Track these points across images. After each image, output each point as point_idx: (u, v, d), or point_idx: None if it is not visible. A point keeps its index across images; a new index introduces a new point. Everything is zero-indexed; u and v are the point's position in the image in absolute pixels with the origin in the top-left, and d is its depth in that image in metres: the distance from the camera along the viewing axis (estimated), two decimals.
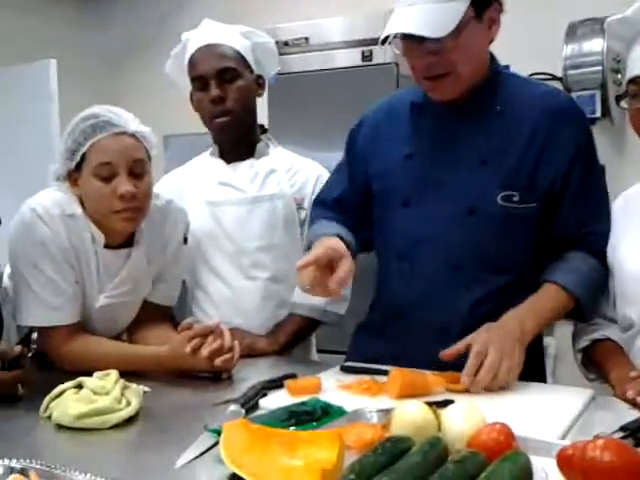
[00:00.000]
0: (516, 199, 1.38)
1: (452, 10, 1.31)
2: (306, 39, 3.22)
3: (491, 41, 1.41)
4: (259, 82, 1.84)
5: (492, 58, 1.46)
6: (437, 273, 1.41)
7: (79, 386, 1.23)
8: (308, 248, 1.49)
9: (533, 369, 1.45)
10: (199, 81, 1.75)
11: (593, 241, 1.41)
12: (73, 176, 1.50)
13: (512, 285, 1.41)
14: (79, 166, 1.48)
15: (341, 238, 1.44)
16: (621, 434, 1.02)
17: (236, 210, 1.78)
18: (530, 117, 1.40)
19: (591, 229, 1.41)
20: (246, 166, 1.81)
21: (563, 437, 1.06)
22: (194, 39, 1.79)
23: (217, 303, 1.79)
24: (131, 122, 1.49)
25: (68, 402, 1.17)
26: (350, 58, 3.07)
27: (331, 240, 1.40)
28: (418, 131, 1.48)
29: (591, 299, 1.40)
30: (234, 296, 1.77)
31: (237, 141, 1.81)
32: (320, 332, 1.94)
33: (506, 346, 1.25)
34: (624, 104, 1.35)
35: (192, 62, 1.77)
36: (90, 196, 1.48)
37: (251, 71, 1.80)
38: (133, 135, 1.48)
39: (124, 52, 4.24)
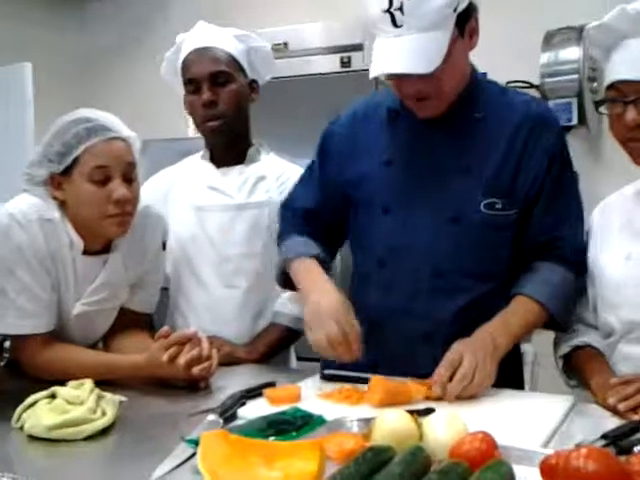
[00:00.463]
0: (499, 206, 1.37)
1: (440, 38, 1.28)
2: (285, 44, 3.22)
3: (473, 47, 1.40)
4: (252, 86, 1.83)
5: (471, 67, 1.45)
6: (419, 281, 1.39)
7: (52, 396, 1.20)
8: (283, 268, 1.49)
9: (510, 375, 1.45)
10: (191, 84, 1.73)
11: (563, 247, 1.40)
12: (57, 180, 1.47)
13: (495, 292, 1.41)
14: (68, 170, 1.45)
15: (318, 258, 1.45)
16: (603, 442, 1.02)
17: (221, 216, 1.76)
18: (508, 124, 1.40)
19: (561, 234, 1.40)
20: (236, 172, 1.79)
21: (545, 445, 1.05)
22: (188, 41, 1.78)
23: (197, 310, 1.77)
24: (122, 127, 1.49)
25: (41, 412, 1.14)
26: (329, 64, 3.07)
27: (329, 291, 1.37)
28: (396, 137, 1.47)
29: (563, 309, 1.39)
30: (213, 304, 1.75)
31: (228, 145, 1.80)
32: (299, 339, 1.93)
33: (479, 358, 1.25)
34: (603, 110, 1.36)
35: (185, 65, 1.76)
36: (82, 200, 1.45)
37: (245, 75, 1.79)
38: (125, 140, 1.48)
39: (102, 56, 4.19)
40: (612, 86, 1.31)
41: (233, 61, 1.76)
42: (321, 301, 1.34)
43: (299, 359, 2.00)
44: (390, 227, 1.43)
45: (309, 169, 1.61)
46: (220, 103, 1.71)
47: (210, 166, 1.81)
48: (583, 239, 1.44)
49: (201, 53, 1.74)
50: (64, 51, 4.16)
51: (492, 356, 1.27)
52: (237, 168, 1.79)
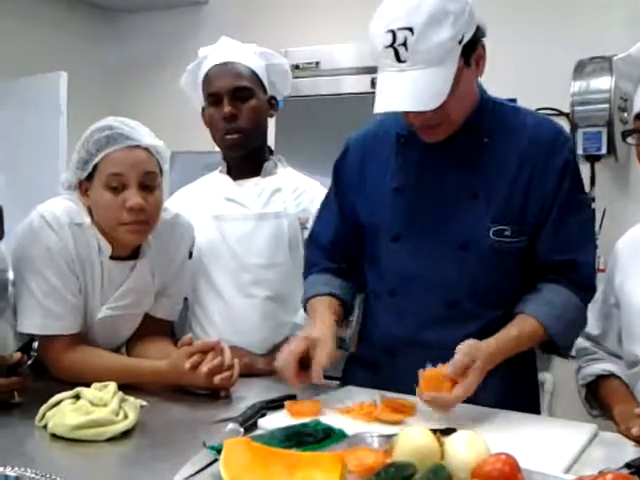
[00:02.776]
0: (508, 233, 1.35)
1: (444, 73, 1.25)
2: (317, 63, 3.25)
3: (480, 74, 1.38)
4: (271, 103, 1.85)
5: (478, 86, 1.41)
6: (431, 311, 1.37)
7: (77, 396, 1.21)
8: (304, 305, 1.51)
9: (528, 402, 1.44)
10: (213, 97, 1.76)
11: (575, 271, 1.36)
12: (83, 186, 1.50)
13: (506, 317, 1.37)
14: (90, 176, 1.48)
15: (334, 295, 1.46)
16: (626, 471, 1.00)
17: (242, 225, 1.77)
18: (517, 149, 1.37)
19: (571, 258, 1.36)
20: (252, 183, 1.81)
21: (567, 471, 1.04)
22: (211, 56, 1.81)
23: (215, 320, 1.77)
24: (146, 135, 1.50)
25: (65, 412, 1.15)
26: (359, 84, 3.10)
27: (316, 325, 1.39)
28: (405, 163, 1.44)
29: (563, 331, 1.35)
30: (232, 314, 1.75)
31: (245, 159, 1.81)
32: None
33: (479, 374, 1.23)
34: (631, 140, 1.36)
35: (208, 78, 1.78)
36: (99, 206, 1.48)
37: (265, 91, 1.81)
38: (146, 148, 1.49)
39: (135, 67, 4.27)
40: (638, 117, 1.32)
41: (254, 77, 1.78)
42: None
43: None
44: (400, 256, 1.42)
45: (326, 201, 1.61)
46: (240, 118, 1.74)
47: (227, 178, 1.84)
48: (595, 263, 1.40)
49: (224, 68, 1.76)
50: (98, 62, 4.24)
51: (480, 374, 1.24)
52: (253, 180, 1.81)
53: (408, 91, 1.26)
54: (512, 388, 1.40)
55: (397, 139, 1.46)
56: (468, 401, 1.32)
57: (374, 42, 1.29)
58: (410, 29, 1.23)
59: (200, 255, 1.78)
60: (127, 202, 1.44)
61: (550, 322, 1.33)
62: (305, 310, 1.53)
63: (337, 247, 1.54)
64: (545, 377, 2.93)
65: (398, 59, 1.25)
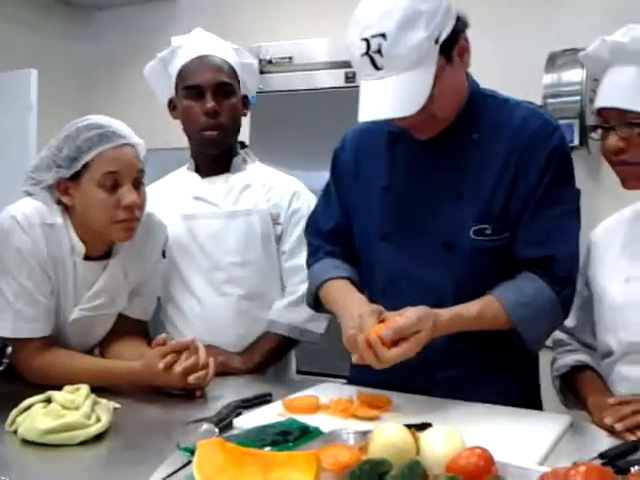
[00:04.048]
0: (489, 232, 1.34)
1: (423, 75, 1.23)
2: (290, 58, 3.23)
3: (467, 66, 1.36)
4: (244, 101, 1.84)
5: (469, 79, 1.39)
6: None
7: (48, 400, 1.19)
8: (315, 291, 1.47)
9: (528, 396, 1.44)
10: (193, 90, 1.72)
11: (552, 265, 1.34)
12: (64, 185, 1.47)
13: None
14: (77, 175, 1.45)
15: (350, 279, 1.44)
16: (599, 461, 1.02)
17: (212, 224, 1.76)
18: (504, 144, 1.35)
19: (548, 253, 1.33)
20: (221, 181, 1.79)
21: (541, 463, 1.04)
22: (187, 47, 1.77)
23: (189, 320, 1.76)
24: (132, 134, 1.50)
25: (36, 416, 1.13)
26: (333, 79, 3.08)
27: (357, 301, 1.36)
28: (395, 162, 1.43)
29: (528, 321, 1.31)
30: (207, 313, 1.74)
31: (218, 156, 1.80)
32: (300, 353, 1.92)
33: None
34: (594, 135, 1.37)
35: (187, 70, 1.74)
36: (91, 205, 1.45)
37: (239, 89, 1.80)
38: (134, 146, 1.49)
39: (107, 64, 4.21)
40: (598, 112, 1.33)
41: (234, 73, 1.77)
42: (353, 312, 1.30)
43: (299, 372, 1.99)
44: (389, 255, 1.41)
45: (327, 189, 1.59)
46: (222, 114, 1.71)
47: (195, 176, 1.81)
48: (576, 257, 1.38)
49: (205, 61, 1.73)
50: (70, 59, 4.18)
51: (423, 342, 1.22)
52: (222, 177, 1.79)
53: (388, 98, 1.24)
54: (507, 380, 1.40)
55: (388, 137, 1.45)
56: (458, 397, 1.34)
57: (351, 51, 1.28)
58: (383, 35, 1.22)
59: (172, 255, 1.76)
60: (123, 200, 1.44)
61: (515, 308, 1.30)
62: (315, 295, 1.49)
63: (337, 236, 1.53)
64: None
65: (375, 66, 1.24)
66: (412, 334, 1.21)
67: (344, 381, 1.57)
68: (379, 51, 1.22)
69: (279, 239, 1.78)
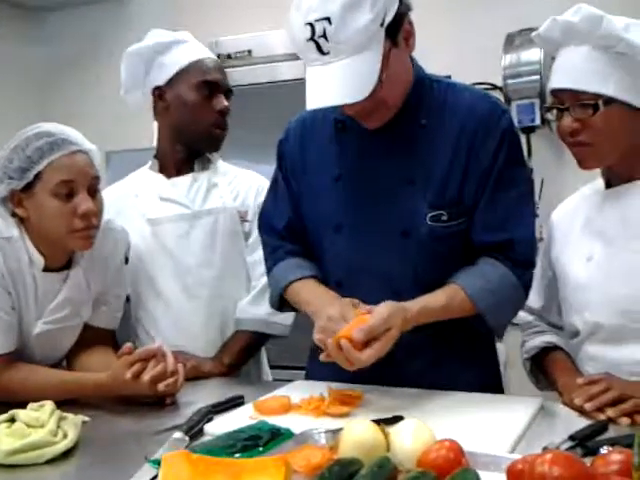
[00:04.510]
0: (444, 218, 1.33)
1: (370, 58, 1.21)
2: (249, 52, 3.20)
3: (412, 50, 1.34)
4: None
5: (414, 64, 1.38)
6: (377, 300, 1.29)
7: (12, 419, 1.16)
8: (279, 293, 1.45)
9: (489, 378, 1.45)
10: (207, 87, 1.73)
11: (512, 248, 1.33)
12: (17, 196, 1.43)
13: None
14: (29, 185, 1.42)
15: (315, 277, 1.42)
16: (570, 443, 1.02)
17: (177, 227, 1.74)
18: (454, 128, 1.33)
19: (507, 237, 1.33)
20: (188, 181, 1.77)
21: (513, 449, 1.05)
22: (194, 44, 1.79)
23: (161, 324, 1.74)
24: (84, 140, 1.47)
25: (0, 437, 1.10)
26: (293, 70, 3.06)
27: (333, 299, 1.34)
28: (344, 150, 1.40)
29: (494, 307, 1.31)
30: (178, 317, 1.72)
31: (189, 155, 1.78)
32: (270, 347, 1.91)
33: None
34: (550, 116, 1.37)
35: (204, 66, 1.75)
36: (46, 215, 1.42)
37: None
38: (87, 153, 1.46)
39: (61, 68, 4.13)
40: (552, 93, 1.33)
41: None
42: (329, 309, 1.29)
43: (273, 367, 1.98)
44: (344, 247, 1.39)
45: (274, 183, 1.56)
46: (228, 115, 1.77)
47: (160, 177, 1.79)
48: (534, 239, 1.37)
49: (218, 64, 1.79)
50: (24, 63, 4.08)
51: (393, 339, 1.21)
52: (189, 177, 1.78)
53: (336, 84, 1.22)
54: (472, 365, 1.41)
55: (334, 125, 1.42)
56: (422, 386, 1.33)
57: (295, 37, 1.25)
58: (327, 19, 1.19)
59: (139, 258, 1.73)
60: (79, 208, 1.41)
61: (480, 296, 1.30)
62: (280, 297, 1.47)
63: (291, 232, 1.51)
64: (498, 348, 2.97)
65: (321, 51, 1.21)
66: (383, 332, 1.20)
67: None
68: (324, 35, 1.20)
69: (248, 236, 1.77)
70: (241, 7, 3.63)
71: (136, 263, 1.73)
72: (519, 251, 1.34)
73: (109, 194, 1.83)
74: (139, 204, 1.77)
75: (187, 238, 1.73)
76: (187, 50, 1.76)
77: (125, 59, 1.79)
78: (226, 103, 1.75)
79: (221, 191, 1.78)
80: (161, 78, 1.75)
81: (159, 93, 1.77)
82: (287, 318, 1.74)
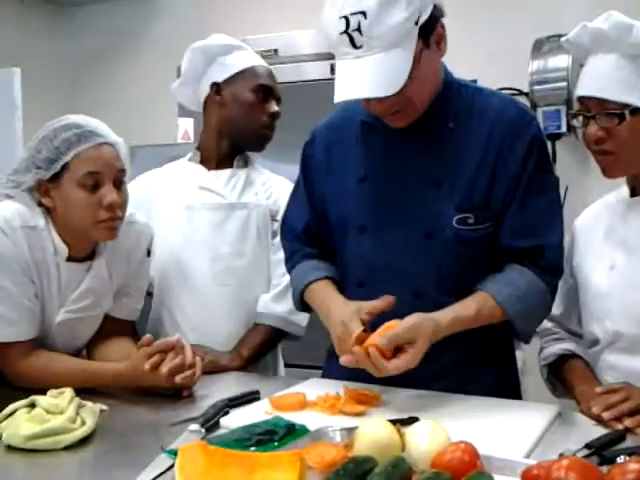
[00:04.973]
0: (471, 221, 1.33)
1: (402, 55, 1.22)
2: (275, 51, 3.21)
3: (442, 54, 1.35)
4: None
5: (442, 68, 1.38)
6: (399, 302, 1.31)
7: (32, 405, 1.18)
8: (300, 296, 1.47)
9: (507, 384, 1.45)
10: (262, 91, 1.82)
11: (542, 254, 1.33)
12: (44, 186, 1.46)
13: None
14: (56, 176, 1.44)
15: (330, 278, 1.44)
16: (586, 452, 1.02)
17: (213, 215, 1.79)
18: (482, 132, 1.34)
19: (537, 243, 1.33)
20: (227, 174, 1.84)
21: (528, 455, 1.04)
22: (251, 53, 1.88)
23: (187, 309, 1.77)
24: (111, 132, 1.49)
25: (20, 422, 1.12)
26: (319, 70, 3.07)
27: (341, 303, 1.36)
28: (371, 152, 1.41)
29: (524, 314, 1.32)
30: (205, 302, 1.76)
31: (231, 152, 1.85)
32: (286, 346, 1.92)
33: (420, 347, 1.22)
34: (576, 122, 1.36)
35: (259, 72, 1.83)
36: (72, 206, 1.44)
37: None
38: (113, 145, 1.48)
39: (90, 62, 4.17)
40: (579, 100, 1.32)
41: None
42: (334, 311, 1.32)
43: (287, 366, 1.99)
44: (367, 247, 1.40)
45: (297, 187, 1.57)
46: (277, 118, 1.85)
47: (201, 167, 1.86)
48: (562, 245, 1.37)
49: (271, 73, 1.87)
50: (53, 57, 4.14)
51: (421, 351, 1.22)
52: (228, 171, 1.84)
53: (366, 77, 1.23)
54: (490, 369, 1.41)
55: (361, 126, 1.43)
56: (438, 389, 1.33)
57: (328, 30, 1.26)
58: (363, 13, 1.20)
59: (171, 245, 1.78)
60: (104, 199, 1.42)
61: (510, 304, 1.31)
62: (300, 299, 1.49)
63: (311, 236, 1.52)
64: (516, 355, 2.95)
65: (353, 45, 1.23)
66: (407, 342, 1.21)
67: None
68: (358, 29, 1.21)
69: (275, 234, 1.81)
70: (269, 6, 3.65)
71: (167, 250, 1.78)
72: (548, 257, 1.34)
73: (143, 181, 1.91)
74: (176, 191, 1.83)
75: (222, 227, 1.78)
76: (247, 55, 1.86)
77: (189, 53, 1.89)
78: (277, 108, 1.84)
79: (256, 188, 1.84)
80: (221, 75, 1.83)
81: (217, 89, 1.84)
82: (303, 319, 1.78)
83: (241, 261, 1.78)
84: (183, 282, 1.77)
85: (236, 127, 1.82)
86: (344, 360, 1.24)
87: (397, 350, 1.22)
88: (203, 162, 1.87)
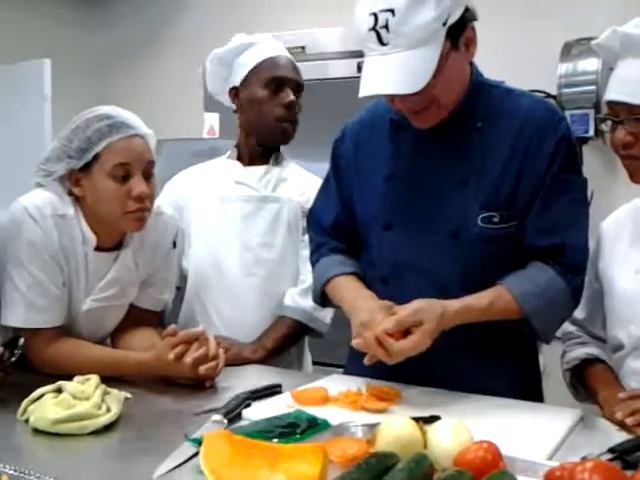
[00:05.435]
0: (496, 220, 1.33)
1: (428, 55, 1.23)
2: (303, 48, 3.22)
3: (472, 57, 1.35)
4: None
5: (473, 69, 1.38)
6: (422, 298, 1.30)
7: (59, 390, 1.20)
8: (321, 288, 1.48)
9: (529, 388, 1.44)
10: (275, 83, 1.80)
11: (564, 253, 1.32)
12: (75, 176, 1.48)
13: None
14: (87, 166, 1.46)
15: (357, 274, 1.45)
16: (609, 456, 1.01)
17: (245, 206, 1.83)
18: (510, 132, 1.34)
19: (559, 241, 1.32)
20: (261, 170, 1.87)
21: (550, 457, 1.04)
22: (267, 43, 1.86)
23: (217, 300, 1.80)
24: (142, 124, 1.50)
25: (47, 406, 1.15)
26: (345, 68, 3.07)
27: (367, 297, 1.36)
28: (398, 150, 1.42)
29: (541, 311, 1.30)
30: (234, 292, 1.79)
31: (270, 148, 1.87)
32: (311, 343, 1.94)
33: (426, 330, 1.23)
34: (604, 127, 1.35)
35: (273, 63, 1.82)
36: (102, 196, 1.46)
37: None
38: (144, 137, 1.49)
39: (121, 53, 4.22)
40: (608, 104, 1.31)
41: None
42: (362, 306, 1.32)
43: (315, 364, 2.00)
44: (392, 244, 1.40)
45: (326, 182, 1.59)
46: (296, 110, 1.82)
47: (237, 163, 1.89)
48: (586, 246, 1.36)
49: (289, 61, 1.85)
50: (83, 48, 4.19)
51: (428, 335, 1.23)
52: (263, 167, 1.87)
53: (391, 73, 1.24)
54: (512, 370, 1.40)
55: (390, 125, 1.44)
56: (459, 388, 1.33)
57: (358, 26, 1.27)
58: (391, 10, 1.22)
59: (206, 236, 1.83)
60: (134, 190, 1.44)
61: (526, 299, 1.30)
62: (321, 292, 1.50)
63: (339, 230, 1.53)
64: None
65: (380, 42, 1.24)
66: (413, 325, 1.22)
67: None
68: (386, 26, 1.22)
69: (305, 232, 1.81)
70: (297, 3, 3.66)
71: (202, 241, 1.82)
72: (570, 256, 1.33)
73: (186, 176, 1.96)
74: (213, 186, 1.87)
75: (253, 218, 1.82)
76: (261, 49, 1.84)
77: (208, 64, 1.90)
78: (292, 97, 1.80)
79: (290, 185, 1.87)
80: (238, 79, 1.85)
81: (235, 93, 1.87)
82: (327, 316, 1.80)
83: (270, 253, 1.80)
84: (216, 273, 1.81)
85: (254, 127, 1.85)
86: (355, 342, 1.26)
87: (406, 334, 1.23)
88: (239, 159, 1.90)
